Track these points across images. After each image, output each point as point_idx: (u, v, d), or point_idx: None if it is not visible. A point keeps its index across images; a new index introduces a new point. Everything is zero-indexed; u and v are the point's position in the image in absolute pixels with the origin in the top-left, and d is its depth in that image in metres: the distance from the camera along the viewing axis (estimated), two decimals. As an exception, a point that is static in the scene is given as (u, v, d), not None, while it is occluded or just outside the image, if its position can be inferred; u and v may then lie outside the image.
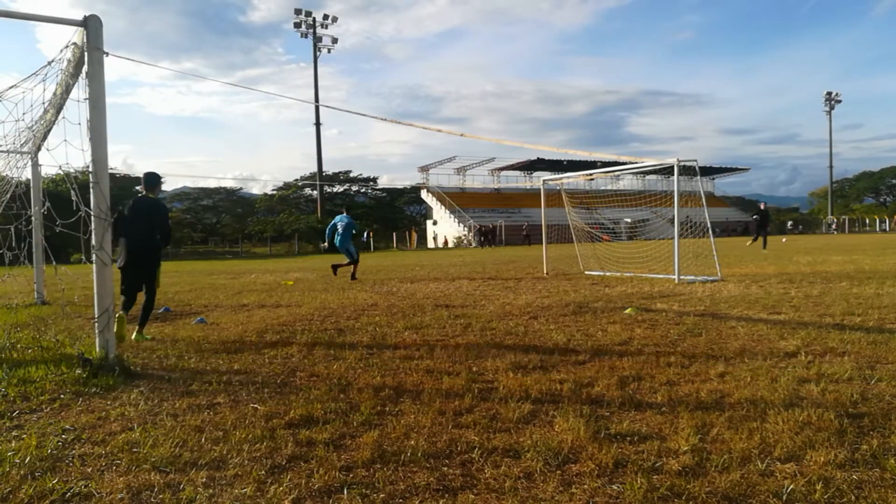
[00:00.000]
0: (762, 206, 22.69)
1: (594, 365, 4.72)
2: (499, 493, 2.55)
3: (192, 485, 2.66)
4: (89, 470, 2.86)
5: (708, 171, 67.69)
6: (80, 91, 4.59)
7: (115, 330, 4.80)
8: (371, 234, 46.92)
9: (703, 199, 12.60)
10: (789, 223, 66.51)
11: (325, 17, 53.60)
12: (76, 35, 4.64)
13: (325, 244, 14.65)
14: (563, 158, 56.92)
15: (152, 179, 6.52)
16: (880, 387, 3.89)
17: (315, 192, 59.07)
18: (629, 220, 38.76)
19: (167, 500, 2.53)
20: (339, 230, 13.86)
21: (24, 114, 5.11)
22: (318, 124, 52.97)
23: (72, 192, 4.71)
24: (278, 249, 51.88)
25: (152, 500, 2.55)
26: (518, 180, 66.03)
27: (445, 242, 53.11)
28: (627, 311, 7.55)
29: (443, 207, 56.86)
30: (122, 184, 43.26)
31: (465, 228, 52.23)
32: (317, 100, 56.38)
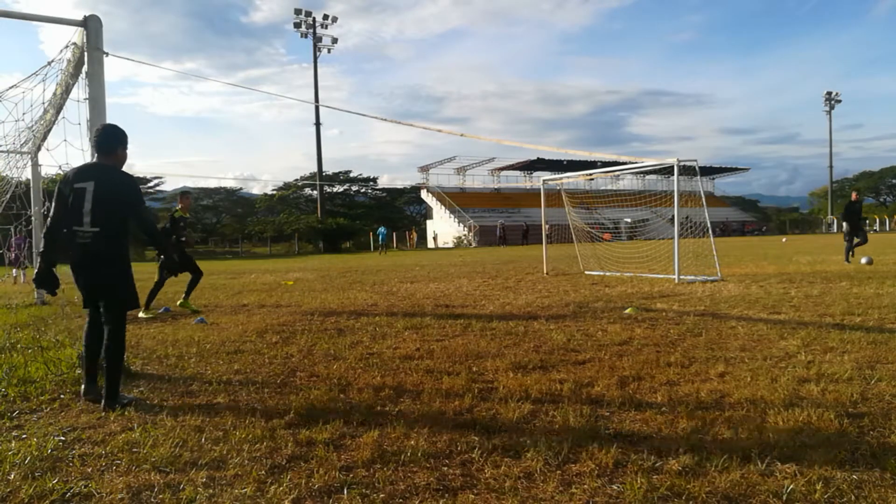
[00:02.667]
0: (854, 198, 15.03)
1: (594, 365, 4.72)
2: (499, 492, 2.55)
3: (192, 485, 2.66)
4: (89, 470, 2.86)
5: (708, 171, 67.61)
6: (80, 91, 4.60)
7: None
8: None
9: (703, 199, 12.60)
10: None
11: (325, 17, 53.53)
12: (76, 35, 4.64)
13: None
14: (563, 158, 56.86)
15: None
16: (880, 386, 3.89)
17: (315, 192, 59.02)
18: (629, 220, 38.75)
19: (167, 500, 2.53)
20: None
21: (24, 114, 5.12)
22: (318, 124, 52.95)
23: None
24: (278, 249, 51.87)
25: (152, 500, 2.55)
26: (518, 180, 65.95)
27: (435, 238, 53.25)
28: (627, 311, 7.55)
29: (443, 207, 56.83)
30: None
31: (465, 228, 52.21)
32: (317, 100, 56.33)
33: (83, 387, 4.06)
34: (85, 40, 4.50)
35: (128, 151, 4.13)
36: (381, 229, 40.02)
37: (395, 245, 48.91)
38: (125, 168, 4.16)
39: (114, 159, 4.02)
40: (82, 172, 3.92)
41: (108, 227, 3.83)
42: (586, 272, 13.92)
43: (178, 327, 7.19)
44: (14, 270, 12.61)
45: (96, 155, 4.01)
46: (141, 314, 8.19)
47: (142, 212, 4.00)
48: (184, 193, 9.09)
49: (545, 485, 2.61)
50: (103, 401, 3.81)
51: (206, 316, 8.05)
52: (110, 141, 3.99)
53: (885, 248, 22.53)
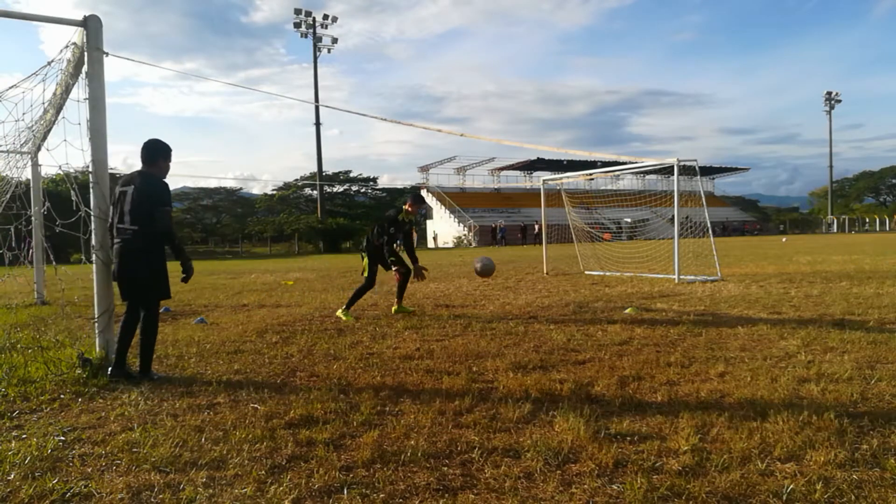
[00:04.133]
0: None
1: (594, 365, 4.72)
2: (499, 492, 2.55)
3: (192, 485, 2.66)
4: (89, 470, 2.86)
5: (708, 171, 67.57)
6: (80, 91, 4.59)
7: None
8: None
9: (703, 199, 12.59)
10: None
11: (325, 17, 53.46)
12: (76, 35, 4.63)
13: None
14: (563, 158, 56.85)
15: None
16: (880, 386, 3.89)
17: (315, 191, 58.95)
18: (629, 220, 38.75)
19: (167, 500, 2.53)
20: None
21: (24, 114, 5.10)
22: (317, 124, 52.85)
23: (72, 192, 4.71)
24: (278, 249, 51.85)
25: (152, 500, 2.55)
26: (518, 180, 65.94)
27: (435, 238, 53.45)
28: (627, 310, 7.55)
29: (443, 207, 56.79)
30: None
31: (465, 228, 52.21)
32: (317, 100, 56.26)
33: (110, 369, 4.55)
34: (85, 40, 4.50)
35: (170, 164, 4.67)
36: None
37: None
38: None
39: (155, 168, 4.57)
40: (127, 178, 4.55)
41: (146, 225, 4.35)
42: (586, 272, 13.92)
43: (178, 327, 7.19)
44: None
45: (141, 164, 4.59)
46: (339, 312, 7.72)
47: (159, 211, 4.38)
48: (417, 197, 7.92)
49: (545, 485, 2.61)
50: (139, 373, 4.56)
51: (206, 316, 8.05)
52: (150, 152, 4.58)
53: (884, 247, 22.54)
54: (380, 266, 7.75)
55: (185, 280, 4.56)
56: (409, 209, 7.75)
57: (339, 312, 7.72)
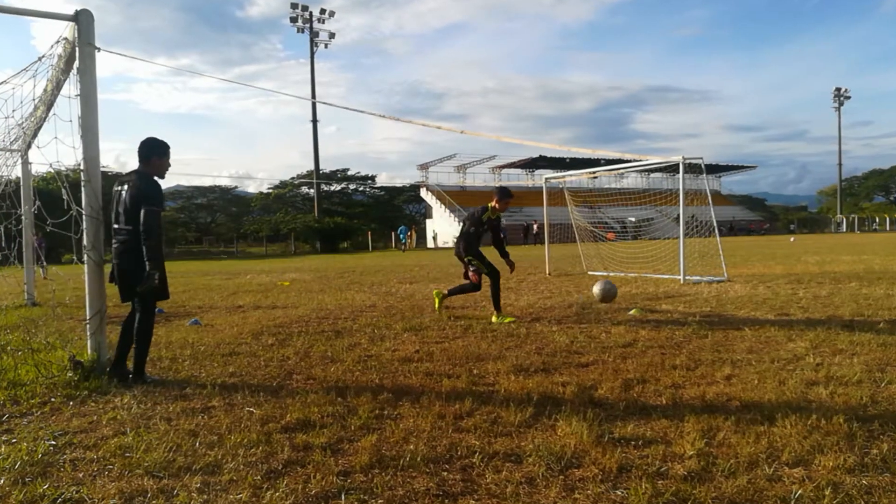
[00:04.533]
0: None
1: (598, 367, 4.67)
2: (500, 498, 2.50)
3: (186, 490, 2.61)
4: (81, 475, 2.81)
5: (714, 169, 67.31)
6: (71, 87, 4.53)
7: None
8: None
9: (710, 198, 12.50)
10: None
11: (323, 11, 53.11)
12: (67, 30, 4.57)
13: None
14: (565, 156, 56.81)
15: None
16: (890, 389, 3.83)
17: (312, 190, 58.78)
18: (633, 219, 38.68)
19: (158, 508, 2.47)
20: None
21: (13, 111, 5.03)
22: (314, 121, 52.63)
23: (63, 190, 4.64)
24: (274, 249, 51.71)
25: (143, 507, 2.49)
26: (519, 178, 65.84)
27: (435, 238, 53.14)
28: (632, 312, 7.50)
29: (442, 206, 56.69)
30: (114, 182, 43.18)
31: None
32: (313, 96, 56.04)
33: (109, 368, 4.57)
34: (76, 35, 4.44)
35: (169, 160, 4.63)
36: (402, 227, 44.26)
37: (393, 245, 48.71)
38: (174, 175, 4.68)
39: (149, 167, 4.54)
40: (121, 177, 4.59)
41: (139, 224, 4.30)
42: (589, 272, 13.86)
43: (172, 329, 7.13)
44: (42, 270, 13.08)
45: (138, 163, 4.56)
46: (494, 319, 7.20)
47: (146, 210, 4.28)
48: (503, 191, 7.71)
49: (547, 490, 2.56)
50: (131, 376, 4.49)
51: (200, 317, 8.00)
52: (144, 151, 4.53)
53: (895, 247, 22.47)
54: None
55: (140, 288, 4.30)
56: (496, 206, 7.61)
57: (494, 319, 7.14)
